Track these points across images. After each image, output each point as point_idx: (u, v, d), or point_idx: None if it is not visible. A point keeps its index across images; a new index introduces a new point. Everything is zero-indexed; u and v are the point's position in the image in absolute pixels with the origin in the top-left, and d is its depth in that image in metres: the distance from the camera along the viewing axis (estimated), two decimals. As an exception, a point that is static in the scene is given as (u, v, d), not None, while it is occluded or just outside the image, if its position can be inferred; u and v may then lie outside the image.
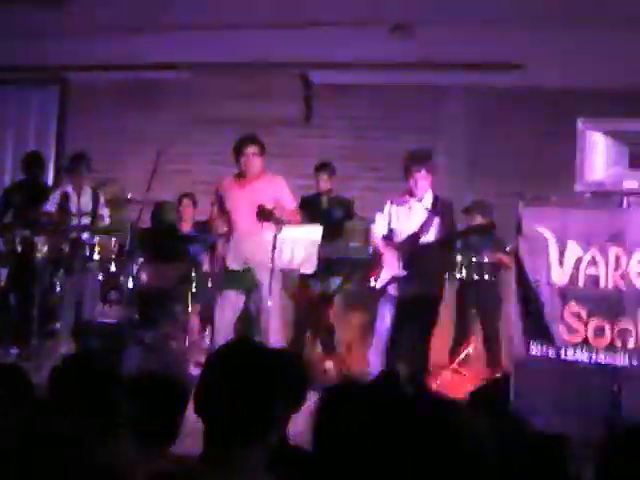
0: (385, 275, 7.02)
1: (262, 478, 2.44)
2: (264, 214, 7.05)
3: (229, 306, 7.22)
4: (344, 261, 8.59)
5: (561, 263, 5.36)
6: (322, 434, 2.73)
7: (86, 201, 8.41)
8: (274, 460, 2.52)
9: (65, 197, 8.47)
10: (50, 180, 10.50)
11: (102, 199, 8.68)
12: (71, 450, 2.54)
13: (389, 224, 7.19)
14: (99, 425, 2.80)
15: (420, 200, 7.03)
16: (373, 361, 7.18)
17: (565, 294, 5.33)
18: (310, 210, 8.80)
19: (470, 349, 8.43)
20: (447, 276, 7.96)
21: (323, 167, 8.96)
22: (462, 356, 8.45)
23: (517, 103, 9.35)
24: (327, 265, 8.05)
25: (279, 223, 6.98)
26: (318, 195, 8.95)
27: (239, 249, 7.12)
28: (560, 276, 5.36)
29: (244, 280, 7.11)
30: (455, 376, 8.39)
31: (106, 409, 2.89)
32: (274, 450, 2.64)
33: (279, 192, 7.28)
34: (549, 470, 3.06)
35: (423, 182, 6.96)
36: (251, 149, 7.18)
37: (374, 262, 7.19)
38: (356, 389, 3.04)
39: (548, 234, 5.44)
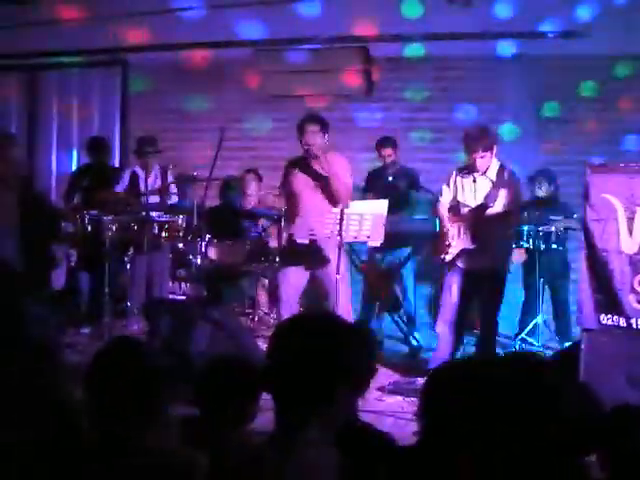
0: (454, 248, 7.00)
1: (329, 453, 2.45)
2: (312, 153, 7.07)
3: (291, 282, 7.27)
4: (410, 233, 8.57)
5: (630, 231, 5.29)
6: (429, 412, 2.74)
7: (154, 180, 8.52)
8: (343, 437, 2.54)
9: (135, 177, 8.59)
10: (116, 161, 10.62)
11: (171, 177, 8.77)
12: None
13: (455, 196, 7.16)
14: (141, 422, 2.74)
15: (484, 173, 6.99)
16: (441, 333, 7.18)
17: (635, 263, 5.26)
18: (376, 182, 8.82)
19: (539, 319, 8.38)
20: (515, 247, 7.93)
21: (385, 141, 8.94)
22: (531, 326, 8.41)
23: (580, 71, 9.21)
24: (393, 238, 8.07)
25: (323, 164, 7.01)
26: (383, 168, 8.95)
27: (306, 224, 7.14)
28: (629, 245, 5.29)
29: (309, 255, 7.14)
30: (524, 346, 8.36)
31: (148, 405, 2.78)
32: (344, 427, 2.66)
33: (338, 169, 7.23)
34: (617, 442, 3.04)
35: (482, 161, 6.91)
36: (311, 127, 7.16)
37: (441, 235, 7.17)
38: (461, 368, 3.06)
39: (616, 202, 5.36)
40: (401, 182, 8.75)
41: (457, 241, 6.99)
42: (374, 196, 8.50)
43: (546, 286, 8.55)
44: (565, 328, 8.42)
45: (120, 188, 8.68)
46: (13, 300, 3.67)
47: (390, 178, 8.88)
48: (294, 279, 7.27)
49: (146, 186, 8.23)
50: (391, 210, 7.64)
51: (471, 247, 6.92)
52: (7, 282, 3.66)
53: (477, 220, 6.89)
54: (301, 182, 7.23)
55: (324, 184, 7.05)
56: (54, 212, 9.45)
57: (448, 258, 7.03)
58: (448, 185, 7.21)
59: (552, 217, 8.27)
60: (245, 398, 3.46)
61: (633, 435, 3.08)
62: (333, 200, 7.02)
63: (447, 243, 7.04)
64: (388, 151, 8.86)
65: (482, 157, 6.87)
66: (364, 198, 8.45)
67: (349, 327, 3.33)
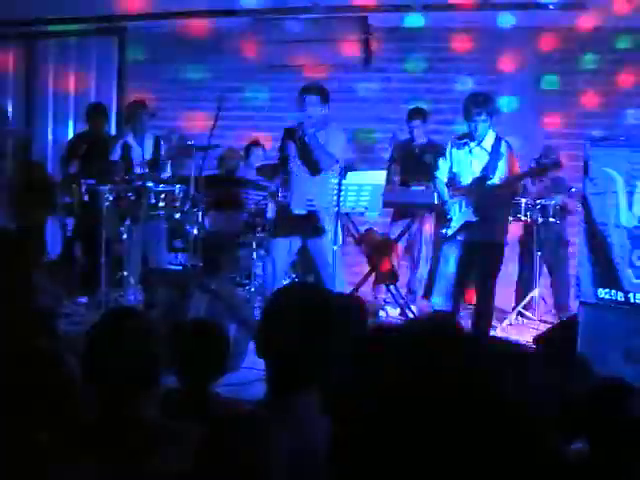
0: (456, 222, 6.97)
1: (319, 419, 2.46)
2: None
3: (281, 254, 7.29)
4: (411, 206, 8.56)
5: (630, 205, 5.28)
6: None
7: (148, 150, 8.45)
8: (334, 403, 2.54)
9: (127, 147, 8.52)
10: (113, 130, 10.57)
11: (164, 149, 8.70)
12: None
13: (451, 168, 7.13)
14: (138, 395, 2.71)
15: (480, 143, 6.94)
16: (436, 304, 7.19)
17: (634, 237, 5.25)
18: (402, 154, 8.78)
19: (536, 292, 8.38)
20: (512, 219, 7.90)
21: (413, 115, 8.87)
22: (527, 299, 8.41)
23: (580, 43, 9.15)
24: (420, 208, 8.35)
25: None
26: (410, 139, 8.89)
27: (301, 194, 7.13)
28: (629, 219, 5.27)
29: (304, 225, 7.15)
30: (521, 319, 8.37)
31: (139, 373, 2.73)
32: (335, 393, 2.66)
33: (334, 143, 7.22)
34: (610, 418, 3.03)
35: (482, 126, 6.86)
36: (310, 98, 7.17)
37: (441, 209, 7.15)
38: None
39: (616, 175, 5.35)
40: (428, 155, 8.65)
41: (458, 215, 6.96)
42: (400, 167, 8.57)
43: (543, 259, 8.54)
44: (562, 302, 8.42)
45: (114, 157, 8.59)
46: (20, 270, 3.63)
47: (417, 150, 8.83)
48: (284, 251, 7.28)
49: (143, 155, 8.15)
50: (417, 182, 7.87)
51: (473, 220, 6.89)
52: (12, 252, 3.62)
53: (478, 192, 6.85)
54: (292, 151, 7.26)
55: (306, 154, 7.07)
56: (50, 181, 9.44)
57: (450, 232, 7.01)
58: (445, 157, 7.17)
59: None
60: (211, 357, 3.56)
61: (623, 410, 3.08)
62: (313, 170, 7.04)
63: (448, 217, 7.02)
64: (417, 123, 8.79)
65: (484, 121, 6.81)
66: (389, 168, 8.47)
67: (339, 298, 3.34)
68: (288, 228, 7.24)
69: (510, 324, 8.20)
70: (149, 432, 2.61)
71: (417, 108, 8.93)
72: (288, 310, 2.52)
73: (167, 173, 8.53)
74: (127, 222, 8.16)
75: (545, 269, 8.60)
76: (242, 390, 5.50)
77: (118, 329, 2.77)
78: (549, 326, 7.63)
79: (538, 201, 8.16)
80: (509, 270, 8.31)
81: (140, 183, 7.91)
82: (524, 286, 8.59)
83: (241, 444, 2.37)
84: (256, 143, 9.48)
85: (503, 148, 6.91)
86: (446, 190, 7.10)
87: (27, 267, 3.69)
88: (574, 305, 7.07)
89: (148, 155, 8.41)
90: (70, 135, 10.49)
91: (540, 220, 8.17)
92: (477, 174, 6.93)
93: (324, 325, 2.48)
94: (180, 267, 8.98)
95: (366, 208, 6.95)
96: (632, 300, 5.26)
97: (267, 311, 2.61)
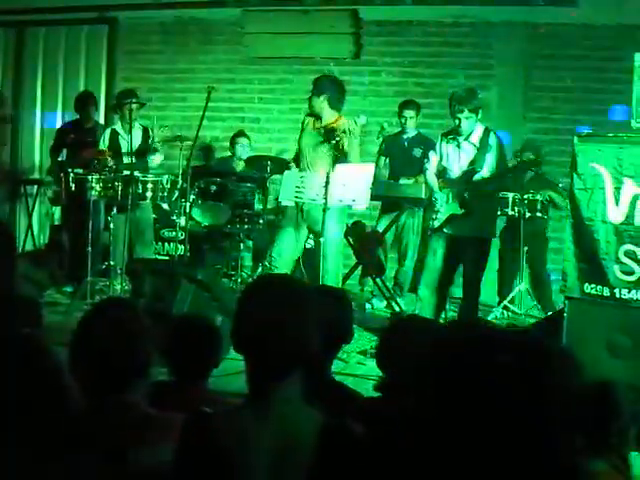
0: (443, 214, 6.97)
1: (305, 412, 2.45)
2: (329, 133, 7.10)
3: (286, 243, 7.29)
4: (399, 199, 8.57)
5: (617, 201, 5.28)
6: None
7: (136, 139, 8.40)
8: (317, 396, 2.53)
9: (115, 135, 8.50)
10: (101, 119, 10.53)
11: (155, 138, 8.65)
12: None
13: (440, 162, 7.14)
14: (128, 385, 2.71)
15: (467, 138, 6.95)
16: (423, 296, 7.18)
17: (620, 233, 5.26)
18: (392, 147, 8.77)
19: (521, 287, 8.39)
20: (498, 213, 7.91)
21: (408, 105, 8.85)
22: (512, 294, 8.42)
23: (571, 39, 9.15)
24: (409, 202, 8.42)
25: (338, 150, 7.05)
26: (401, 132, 8.88)
27: (290, 185, 7.12)
28: (615, 214, 5.28)
29: (302, 217, 7.16)
30: (506, 314, 8.38)
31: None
32: (318, 386, 2.64)
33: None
34: (597, 417, 3.03)
35: (467, 122, 6.86)
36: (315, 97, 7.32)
37: (430, 202, 7.17)
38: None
39: (604, 171, 5.35)
40: (417, 149, 8.65)
41: (445, 207, 6.97)
42: (389, 160, 8.58)
43: (528, 254, 8.55)
44: (546, 297, 8.42)
45: (101, 146, 8.54)
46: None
47: (406, 144, 8.82)
48: (288, 241, 7.30)
49: (131, 144, 8.11)
50: (405, 175, 8.15)
51: (459, 213, 6.90)
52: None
53: (465, 186, 6.86)
54: (307, 142, 7.28)
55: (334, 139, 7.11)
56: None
57: (437, 224, 7.02)
58: (435, 151, 7.19)
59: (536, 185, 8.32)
60: (201, 355, 3.55)
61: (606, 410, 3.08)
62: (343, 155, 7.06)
63: (436, 209, 7.03)
64: (409, 114, 8.77)
65: (467, 118, 6.83)
66: (378, 161, 8.50)
67: (319, 290, 3.32)
68: (301, 219, 7.28)
69: (496, 318, 8.21)
70: (136, 424, 2.60)
71: (409, 100, 8.93)
72: (259, 304, 2.48)
73: (158, 161, 8.51)
74: (114, 211, 8.14)
75: (530, 263, 8.61)
76: (226, 382, 5.49)
77: (109, 319, 2.77)
78: (534, 321, 7.66)
79: (525, 196, 8.17)
80: (495, 264, 8.33)
81: (128, 172, 7.88)
82: (507, 280, 8.61)
83: (219, 441, 2.36)
84: (241, 134, 9.45)
85: (492, 141, 6.92)
86: (436, 181, 7.11)
87: (13, 254, 3.67)
88: (555, 298, 7.11)
89: (136, 145, 8.36)
90: (59, 124, 10.44)
91: (527, 215, 8.18)
92: (465, 167, 6.94)
93: (301, 316, 2.46)
94: (167, 257, 8.98)
95: (354, 201, 6.95)
96: (617, 295, 5.27)
97: (242, 304, 2.56)
